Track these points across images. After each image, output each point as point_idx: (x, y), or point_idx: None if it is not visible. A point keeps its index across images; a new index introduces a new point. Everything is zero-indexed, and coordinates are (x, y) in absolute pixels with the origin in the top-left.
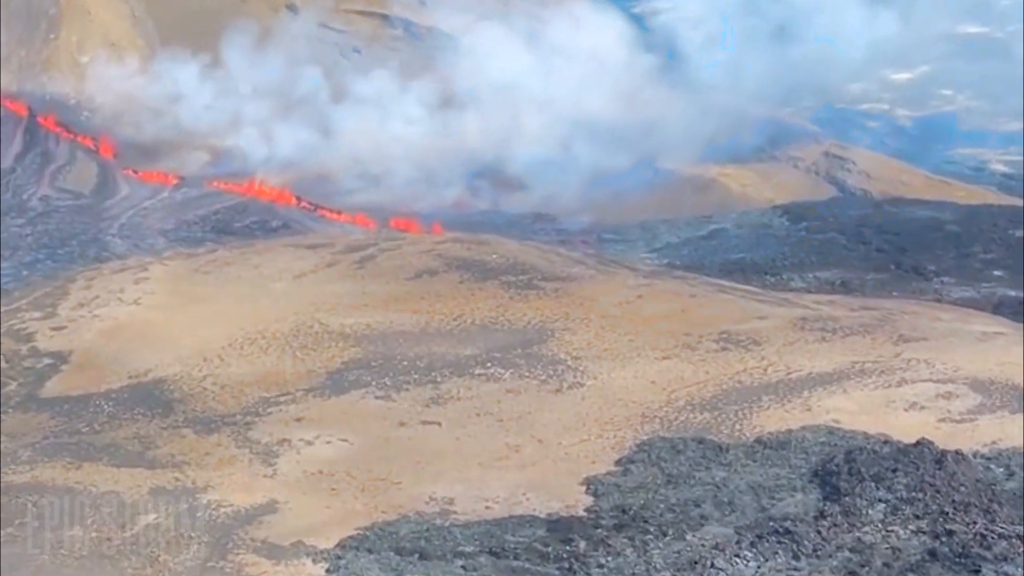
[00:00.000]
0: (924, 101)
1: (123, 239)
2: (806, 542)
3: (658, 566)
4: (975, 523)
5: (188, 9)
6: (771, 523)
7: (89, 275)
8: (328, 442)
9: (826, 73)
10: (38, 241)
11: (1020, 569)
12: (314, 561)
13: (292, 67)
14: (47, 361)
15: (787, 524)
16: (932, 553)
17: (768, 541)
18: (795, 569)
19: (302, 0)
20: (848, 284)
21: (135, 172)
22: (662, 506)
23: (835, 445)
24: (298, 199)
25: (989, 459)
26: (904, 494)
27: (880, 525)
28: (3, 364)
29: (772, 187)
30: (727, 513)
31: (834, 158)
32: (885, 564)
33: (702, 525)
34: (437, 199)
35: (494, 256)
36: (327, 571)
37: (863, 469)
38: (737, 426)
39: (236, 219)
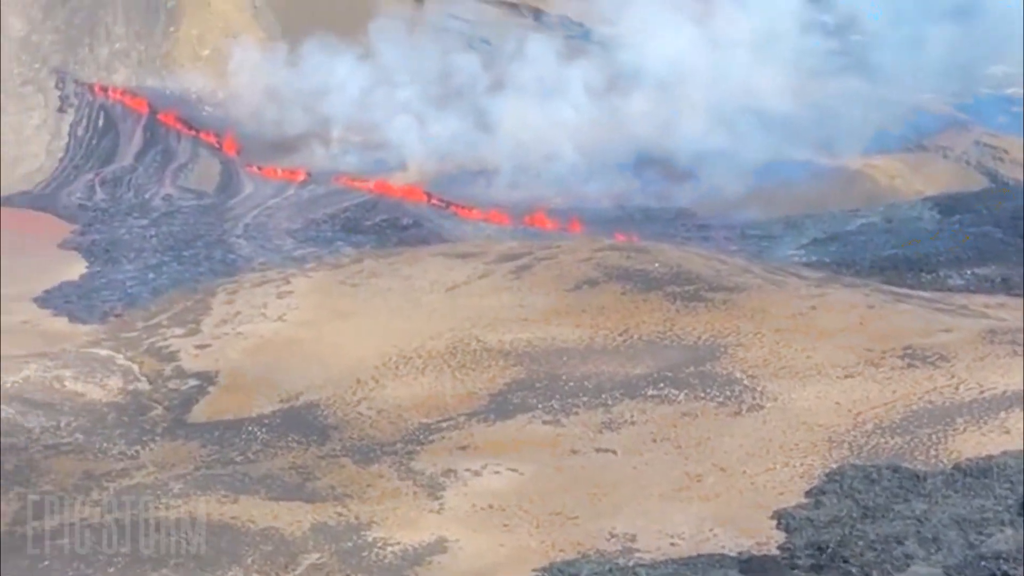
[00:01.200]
0: None
1: (248, 240)
2: None
3: None
4: None
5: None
6: (983, 563)
7: (230, 288)
8: (497, 472)
9: (1012, 51)
10: (162, 243)
11: None
12: None
13: (422, 56)
14: (193, 383)
15: (1001, 565)
16: None
17: None
18: None
19: None
20: (1008, 281)
21: (259, 169)
22: (861, 543)
23: None
24: (428, 195)
25: None
26: None
27: None
28: (147, 386)
29: (922, 178)
30: (933, 551)
31: (985, 147)
32: None
33: (908, 565)
34: (591, 192)
35: (656, 265)
36: None
37: None
38: (932, 451)
39: (365, 217)
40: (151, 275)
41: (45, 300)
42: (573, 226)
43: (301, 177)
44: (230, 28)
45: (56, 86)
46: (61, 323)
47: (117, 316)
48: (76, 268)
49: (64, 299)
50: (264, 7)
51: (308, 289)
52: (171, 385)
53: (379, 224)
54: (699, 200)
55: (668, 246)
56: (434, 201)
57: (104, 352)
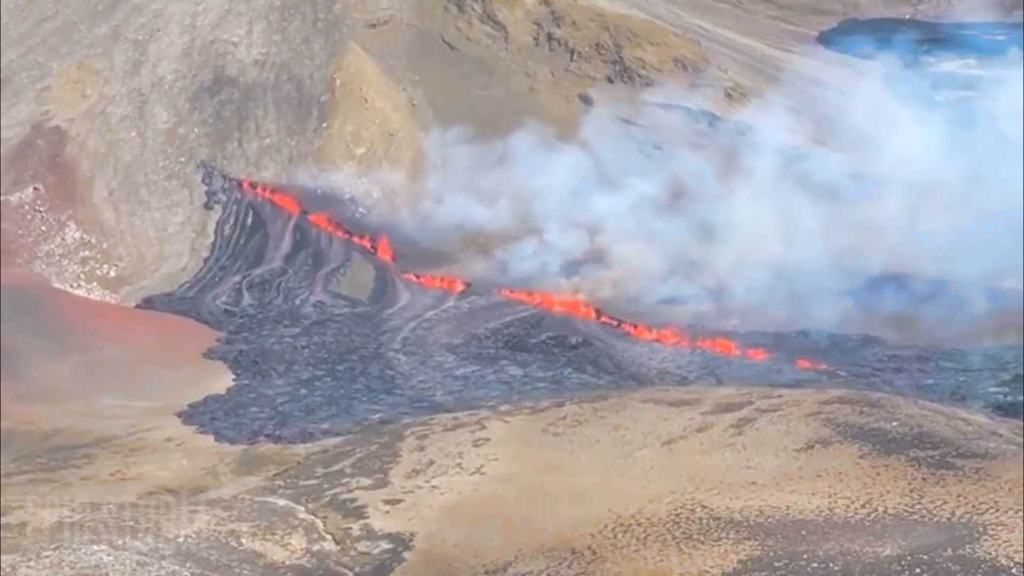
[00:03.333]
0: None
1: (407, 355)
2: None
3: None
4: None
5: (470, 98)
6: None
7: (419, 431)
8: None
9: None
10: (315, 355)
11: None
12: None
13: (592, 162)
14: (385, 545)
15: None
16: None
17: None
18: None
19: (596, 91)
20: None
21: (416, 277)
22: None
23: None
24: (598, 312)
25: None
26: None
27: None
28: (333, 546)
29: None
30: None
31: None
32: None
33: None
34: (818, 315)
35: (894, 424)
36: None
37: None
38: None
39: (530, 334)
40: (303, 391)
41: (190, 415)
42: (755, 352)
43: (460, 287)
44: (386, 126)
45: (203, 181)
46: (207, 442)
47: (267, 436)
48: (222, 381)
49: (210, 415)
50: (423, 106)
51: (506, 436)
52: (361, 547)
53: (545, 342)
54: (937, 326)
55: (902, 400)
56: (604, 319)
57: (282, 502)
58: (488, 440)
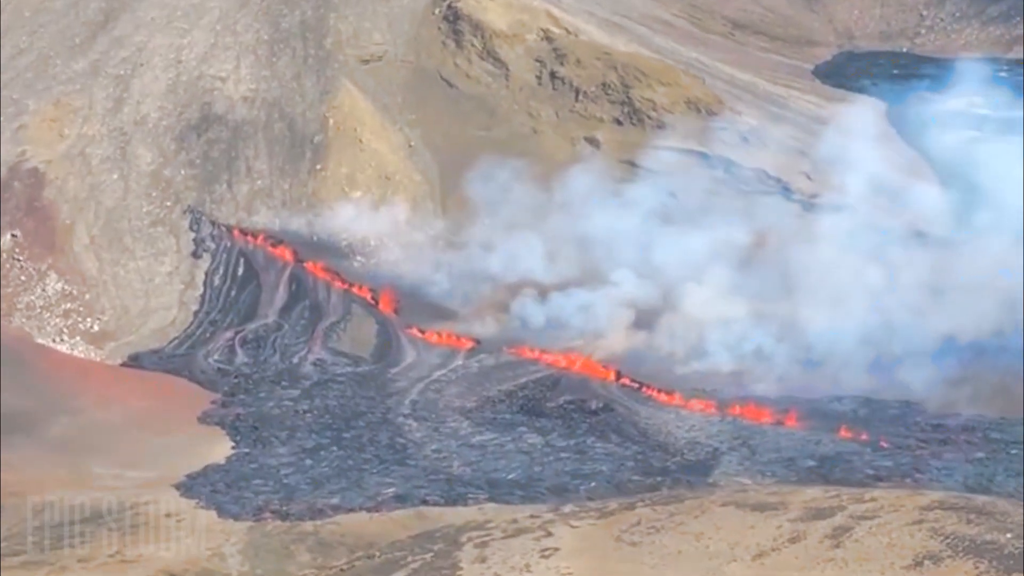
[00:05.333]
0: None
1: (418, 421)
2: None
3: None
4: None
5: (470, 139)
6: None
7: (476, 537)
8: None
9: None
10: (318, 420)
11: None
12: None
13: (604, 210)
14: None
15: None
16: None
17: None
18: None
19: (604, 133)
20: None
21: (421, 332)
22: None
23: None
24: (618, 375)
25: None
26: None
27: None
28: None
29: None
30: None
31: None
32: None
33: None
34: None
35: (1008, 536)
36: None
37: None
38: None
39: (547, 397)
40: (308, 461)
41: (189, 488)
42: (789, 419)
43: (469, 345)
44: (383, 168)
45: (190, 227)
46: (209, 517)
47: (274, 512)
48: (221, 448)
49: (211, 487)
50: (420, 147)
51: (577, 545)
52: None
53: (563, 406)
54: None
55: (1008, 504)
56: (624, 381)
57: None
58: (557, 550)
